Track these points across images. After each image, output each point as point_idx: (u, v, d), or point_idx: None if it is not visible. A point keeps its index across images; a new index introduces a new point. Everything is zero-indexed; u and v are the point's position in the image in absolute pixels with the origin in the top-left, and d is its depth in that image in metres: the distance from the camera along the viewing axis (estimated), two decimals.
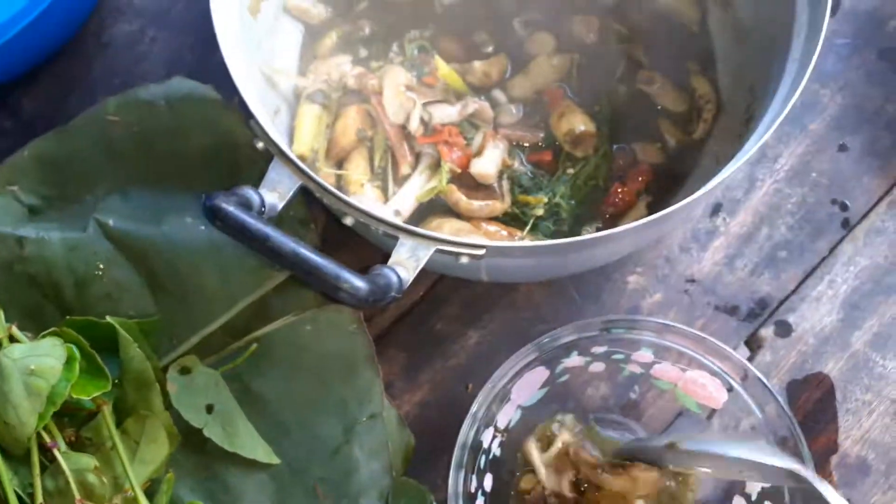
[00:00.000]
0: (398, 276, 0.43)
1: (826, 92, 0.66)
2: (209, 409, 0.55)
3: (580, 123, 0.59)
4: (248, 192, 0.45)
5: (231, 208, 0.42)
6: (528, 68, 0.62)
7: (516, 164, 0.59)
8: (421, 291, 0.62)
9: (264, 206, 0.45)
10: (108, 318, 0.54)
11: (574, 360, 0.55)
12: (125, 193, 0.61)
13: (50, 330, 0.53)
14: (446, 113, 0.57)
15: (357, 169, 0.58)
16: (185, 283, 0.59)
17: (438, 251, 0.44)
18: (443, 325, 0.62)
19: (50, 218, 0.61)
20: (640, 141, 0.61)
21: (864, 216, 0.63)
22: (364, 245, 0.62)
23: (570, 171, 0.59)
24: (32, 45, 0.62)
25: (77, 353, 0.51)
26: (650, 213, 0.58)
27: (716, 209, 0.64)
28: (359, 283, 0.41)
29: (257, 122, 0.47)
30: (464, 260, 0.44)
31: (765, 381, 0.53)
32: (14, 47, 0.58)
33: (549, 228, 0.58)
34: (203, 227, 0.59)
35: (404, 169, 0.58)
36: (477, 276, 0.54)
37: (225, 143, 0.61)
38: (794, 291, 0.62)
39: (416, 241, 0.44)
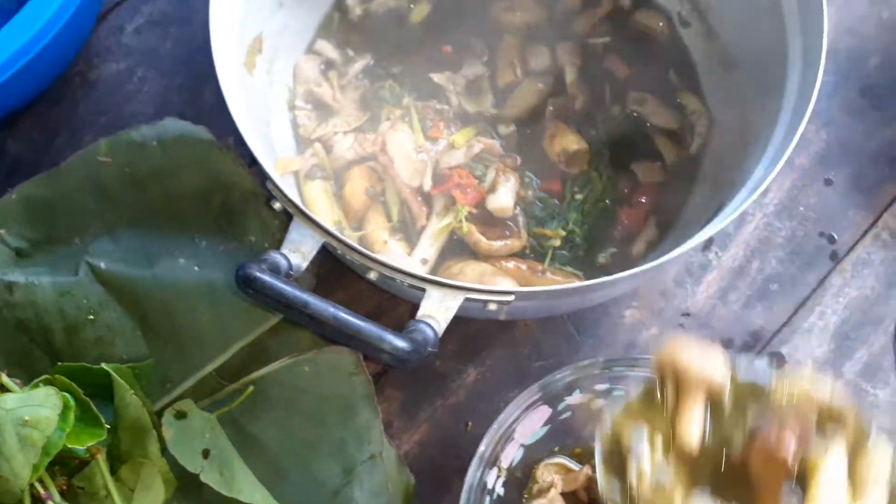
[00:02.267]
0: (433, 330, 0.43)
1: (811, 128, 0.68)
2: (205, 453, 0.54)
3: (572, 142, 0.61)
4: (276, 256, 0.45)
5: (266, 277, 0.42)
6: (514, 95, 0.63)
7: (529, 195, 0.59)
8: None
9: (291, 269, 0.45)
10: (103, 365, 0.52)
11: (576, 397, 0.54)
12: (115, 236, 0.60)
13: (42, 377, 0.51)
14: (453, 157, 0.58)
15: (377, 227, 0.58)
16: (178, 326, 0.58)
17: (467, 300, 0.44)
18: (441, 362, 0.61)
19: (38, 262, 0.59)
20: (640, 161, 0.62)
21: (851, 249, 0.65)
22: (358, 283, 0.62)
23: (579, 196, 0.60)
24: (22, 87, 0.62)
25: (72, 402, 0.50)
26: (660, 231, 0.60)
27: (708, 243, 0.65)
28: (401, 343, 0.41)
29: (275, 184, 0.47)
30: (492, 307, 0.44)
31: None
32: (4, 90, 0.57)
33: (565, 257, 0.59)
34: (196, 269, 0.59)
35: (421, 221, 0.58)
36: (496, 317, 0.54)
37: (218, 184, 0.61)
38: (786, 323, 0.63)
39: (444, 291, 0.44)
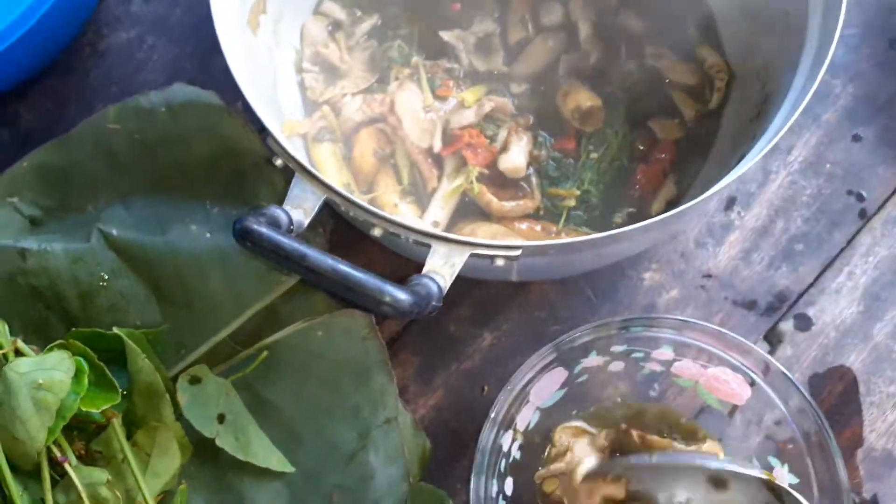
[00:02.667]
0: (437, 285, 0.42)
1: (837, 83, 0.65)
2: (221, 418, 0.54)
3: (586, 99, 0.60)
4: (275, 210, 0.44)
5: (264, 229, 0.41)
6: (525, 52, 0.62)
7: (542, 154, 0.58)
8: None
9: (292, 224, 0.44)
10: (116, 329, 0.52)
11: (593, 359, 0.53)
12: (127, 203, 0.60)
13: (56, 342, 0.52)
14: (464, 116, 0.57)
15: (387, 189, 0.57)
16: (191, 292, 0.58)
17: (473, 255, 0.43)
18: (456, 326, 0.61)
19: (51, 229, 0.60)
20: (658, 118, 0.60)
21: (881, 206, 0.62)
22: (371, 248, 0.61)
23: (594, 155, 0.59)
24: (28, 55, 0.61)
25: (85, 366, 0.50)
26: (678, 190, 0.58)
27: (730, 203, 0.63)
28: (402, 295, 0.40)
29: (275, 140, 0.46)
30: (499, 262, 0.43)
31: (788, 373, 0.52)
32: (9, 57, 0.57)
33: (581, 217, 0.58)
34: (208, 235, 0.58)
35: (433, 183, 0.57)
36: (507, 277, 0.53)
37: (228, 149, 0.60)
38: (812, 284, 0.61)
39: (450, 247, 0.43)
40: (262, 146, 0.60)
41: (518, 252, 0.43)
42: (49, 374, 0.49)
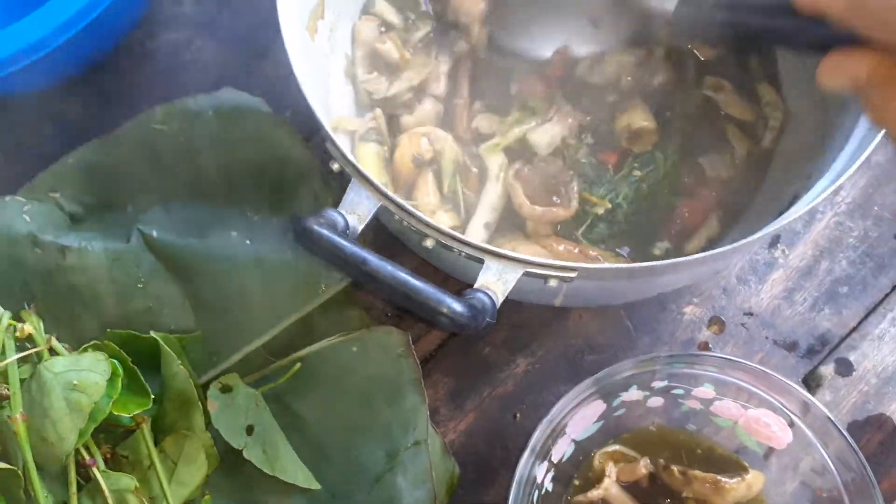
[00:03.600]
0: (491, 300, 0.41)
1: None
2: (249, 430, 0.53)
3: (639, 120, 0.58)
4: (333, 214, 0.43)
5: (325, 231, 0.40)
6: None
7: (580, 155, 0.57)
8: None
9: (348, 228, 0.44)
10: (153, 333, 0.52)
11: (633, 393, 0.52)
12: (168, 205, 0.60)
13: (91, 343, 0.51)
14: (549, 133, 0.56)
15: (426, 196, 0.56)
16: (227, 299, 0.57)
17: (527, 274, 0.42)
18: (490, 350, 0.60)
19: (90, 227, 0.59)
20: (709, 153, 0.59)
21: None
22: (412, 260, 0.60)
23: (637, 172, 0.58)
24: (79, 53, 0.61)
25: (120, 369, 0.49)
26: (722, 229, 0.57)
27: (774, 241, 0.62)
28: (459, 307, 0.39)
29: (335, 144, 0.45)
30: (552, 283, 0.42)
31: (830, 416, 0.50)
32: (61, 55, 0.57)
33: (602, 232, 0.57)
34: (248, 243, 0.58)
35: (476, 187, 0.56)
36: (550, 301, 0.52)
37: (273, 158, 0.60)
38: (855, 328, 0.60)
39: (504, 263, 0.42)
40: (308, 155, 0.59)
41: (574, 274, 0.42)
42: (84, 375, 0.48)
